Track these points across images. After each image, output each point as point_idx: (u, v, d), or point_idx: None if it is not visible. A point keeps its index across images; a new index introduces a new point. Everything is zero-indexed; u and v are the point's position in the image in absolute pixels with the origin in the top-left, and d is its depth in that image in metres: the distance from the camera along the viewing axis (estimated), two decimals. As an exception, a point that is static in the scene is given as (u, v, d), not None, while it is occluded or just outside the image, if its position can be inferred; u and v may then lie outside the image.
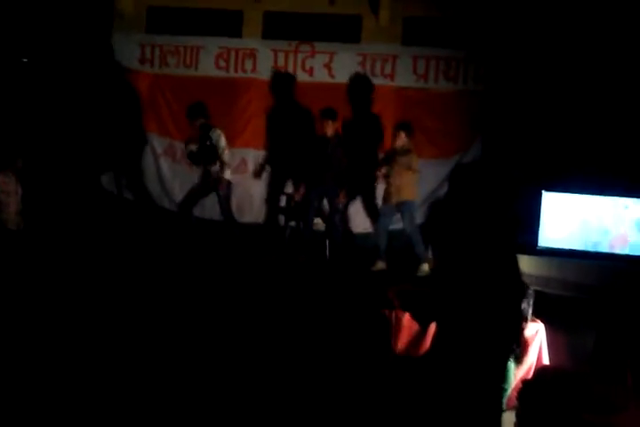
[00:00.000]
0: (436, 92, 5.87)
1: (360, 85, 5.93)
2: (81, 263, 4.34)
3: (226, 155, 5.36)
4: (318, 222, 5.61)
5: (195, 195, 5.49)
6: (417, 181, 5.23)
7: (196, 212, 5.62)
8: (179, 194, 5.88)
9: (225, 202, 5.41)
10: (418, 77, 5.90)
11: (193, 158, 5.41)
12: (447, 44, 5.77)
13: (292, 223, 5.76)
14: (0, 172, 4.51)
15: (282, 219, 5.91)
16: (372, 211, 5.84)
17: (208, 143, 5.28)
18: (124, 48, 6.13)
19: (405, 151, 5.12)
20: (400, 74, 5.91)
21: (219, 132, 5.33)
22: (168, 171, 6.17)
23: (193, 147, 5.38)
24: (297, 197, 5.56)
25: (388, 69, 5.94)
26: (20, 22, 6.05)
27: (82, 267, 4.27)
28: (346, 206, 5.77)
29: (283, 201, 5.97)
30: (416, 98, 5.89)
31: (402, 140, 5.11)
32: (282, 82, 6.01)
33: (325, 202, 5.50)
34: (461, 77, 5.81)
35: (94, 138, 6.00)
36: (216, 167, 5.33)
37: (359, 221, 5.98)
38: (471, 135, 5.80)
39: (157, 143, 6.19)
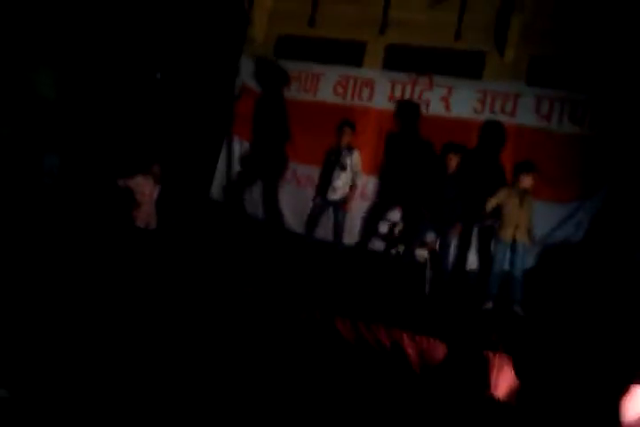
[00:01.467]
0: (558, 134, 5.61)
1: (480, 121, 5.81)
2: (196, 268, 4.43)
3: (359, 178, 5.44)
4: (422, 254, 5.46)
5: (316, 216, 5.54)
6: (532, 223, 4.98)
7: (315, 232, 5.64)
8: (290, 215, 6.00)
9: (341, 223, 5.41)
10: (540, 118, 5.68)
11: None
12: (574, 85, 5.54)
13: (394, 251, 5.66)
14: (140, 174, 4.79)
15: (381, 245, 5.81)
16: (483, 249, 5.56)
17: (346, 161, 5.33)
18: (252, 72, 6.47)
19: (523, 191, 4.93)
20: (522, 113, 5.72)
21: (357, 153, 5.40)
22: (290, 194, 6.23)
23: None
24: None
25: (509, 107, 5.77)
26: (158, 41, 6.59)
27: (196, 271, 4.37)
28: (458, 242, 5.56)
29: (384, 227, 5.89)
30: (537, 138, 5.66)
31: (527, 181, 4.92)
32: (405, 112, 5.99)
33: (432, 234, 5.37)
34: (588, 121, 5.51)
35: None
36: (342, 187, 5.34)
37: (469, 258, 5.74)
38: (594, 183, 5.44)
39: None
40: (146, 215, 4.72)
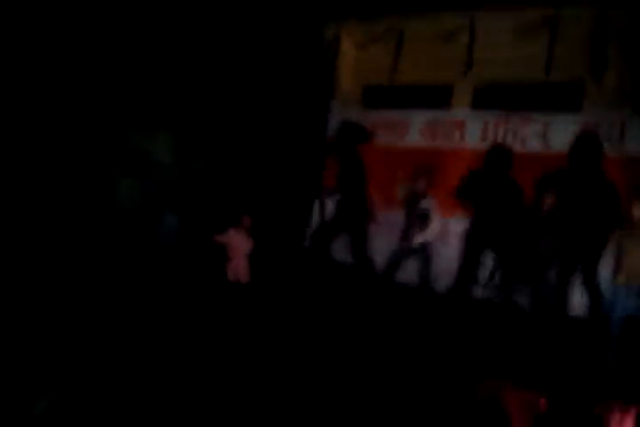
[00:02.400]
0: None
1: (584, 153, 5.41)
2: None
3: (436, 222, 5.34)
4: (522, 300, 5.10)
5: (398, 259, 5.47)
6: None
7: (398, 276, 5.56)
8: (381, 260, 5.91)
9: (424, 263, 5.28)
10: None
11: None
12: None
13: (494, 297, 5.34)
14: (232, 228, 4.95)
15: (478, 290, 5.51)
16: (593, 292, 5.08)
17: (420, 207, 5.30)
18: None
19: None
20: (631, 142, 5.28)
21: (432, 199, 5.34)
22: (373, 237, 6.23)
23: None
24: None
25: (615, 137, 5.36)
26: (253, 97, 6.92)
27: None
28: (561, 285, 5.14)
29: (483, 272, 5.59)
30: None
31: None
32: (497, 153, 5.77)
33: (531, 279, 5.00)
34: None
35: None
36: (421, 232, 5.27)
37: (576, 302, 5.27)
38: None
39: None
40: (238, 269, 4.84)
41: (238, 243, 4.85)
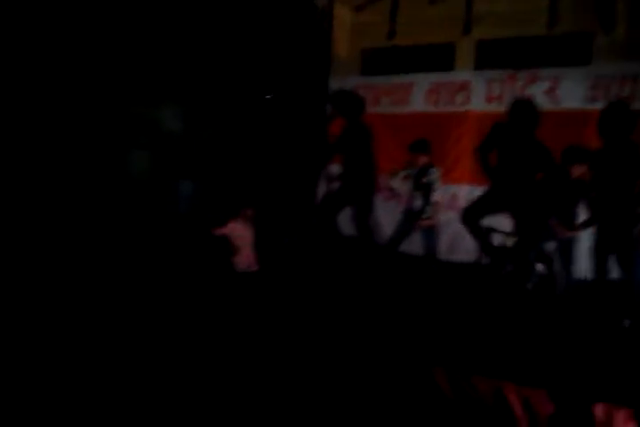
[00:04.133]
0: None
1: (596, 111, 5.15)
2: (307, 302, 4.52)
3: (436, 195, 5.22)
4: (540, 267, 5.02)
5: (402, 231, 5.41)
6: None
7: (403, 247, 5.50)
8: (386, 231, 5.86)
9: (432, 242, 5.22)
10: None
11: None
12: None
13: (509, 266, 5.27)
14: (234, 219, 4.91)
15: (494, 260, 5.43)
16: (623, 258, 4.92)
17: (424, 181, 5.17)
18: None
19: None
20: (643, 96, 5.00)
21: (436, 171, 5.19)
22: (378, 208, 6.19)
23: (398, 181, 5.34)
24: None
25: (627, 92, 5.08)
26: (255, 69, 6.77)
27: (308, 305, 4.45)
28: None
29: (497, 239, 5.49)
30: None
31: None
32: (518, 110, 5.46)
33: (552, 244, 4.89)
34: None
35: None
36: (422, 204, 5.19)
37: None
38: None
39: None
40: (245, 259, 4.85)
41: (241, 233, 4.82)
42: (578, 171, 4.57)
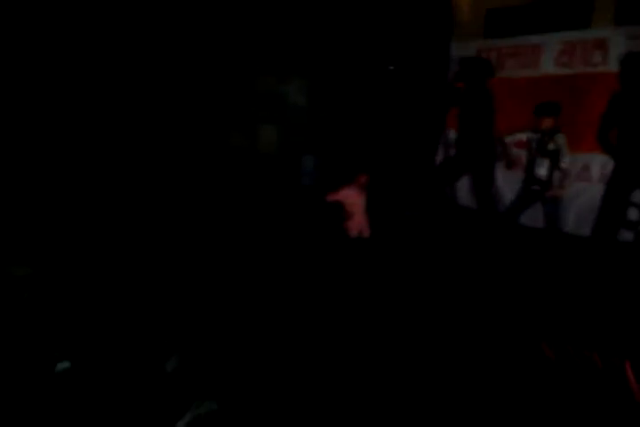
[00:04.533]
0: None
1: None
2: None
3: (565, 162, 4.87)
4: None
5: (523, 202, 5.15)
6: None
7: (522, 219, 5.25)
8: (507, 201, 5.60)
9: (550, 209, 4.92)
10: None
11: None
12: None
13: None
14: (346, 185, 4.98)
15: (630, 235, 4.98)
16: None
17: (550, 147, 4.86)
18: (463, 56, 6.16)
19: None
20: None
21: (564, 137, 4.87)
22: (500, 176, 5.92)
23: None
24: None
25: None
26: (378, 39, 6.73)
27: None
28: None
29: (633, 214, 5.01)
30: None
31: None
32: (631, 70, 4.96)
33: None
34: None
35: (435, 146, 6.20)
36: (548, 172, 4.87)
37: None
38: None
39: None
40: (358, 225, 4.90)
41: (354, 199, 4.88)
42: None
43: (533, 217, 5.17)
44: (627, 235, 5.02)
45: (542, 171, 4.86)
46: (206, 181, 6.44)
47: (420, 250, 5.06)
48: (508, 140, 5.20)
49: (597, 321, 3.36)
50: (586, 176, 5.38)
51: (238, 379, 3.09)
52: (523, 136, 5.05)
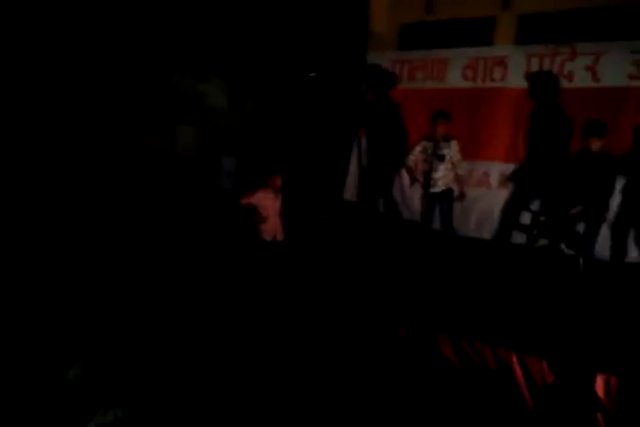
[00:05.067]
0: None
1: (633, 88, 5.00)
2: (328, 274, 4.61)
3: (461, 168, 5.22)
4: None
5: (425, 206, 5.41)
6: None
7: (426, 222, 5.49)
8: (414, 205, 5.91)
9: (446, 211, 5.23)
10: None
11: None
12: None
13: (542, 242, 5.23)
14: (261, 188, 4.99)
15: (522, 237, 5.41)
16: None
17: (446, 153, 5.17)
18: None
19: None
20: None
21: (457, 143, 5.19)
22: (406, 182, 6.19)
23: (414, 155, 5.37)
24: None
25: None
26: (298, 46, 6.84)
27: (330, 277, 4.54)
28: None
29: (525, 218, 5.46)
30: None
31: None
32: (541, 86, 5.40)
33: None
34: None
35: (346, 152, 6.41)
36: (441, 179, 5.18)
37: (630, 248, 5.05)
38: None
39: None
40: (272, 228, 4.94)
41: (269, 203, 4.90)
42: (596, 144, 4.51)
43: (436, 220, 5.47)
44: (520, 238, 5.43)
45: (438, 175, 5.13)
46: (119, 183, 6.24)
47: (331, 253, 5.20)
48: (410, 160, 5.47)
49: (491, 318, 3.62)
50: (485, 182, 5.77)
51: (146, 385, 3.03)
52: (421, 147, 5.33)
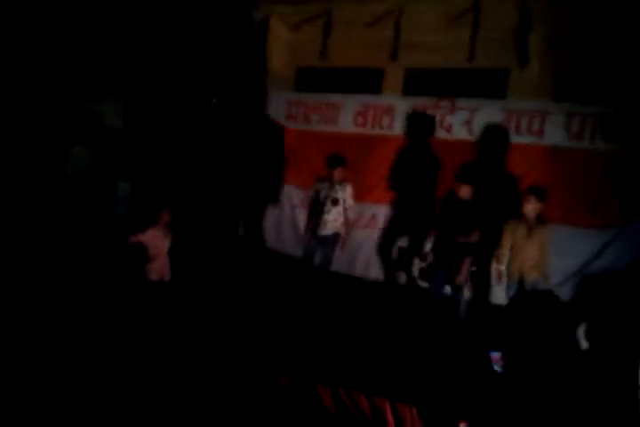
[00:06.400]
0: (591, 153, 5.17)
1: (502, 143, 5.50)
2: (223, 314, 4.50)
3: (352, 212, 5.37)
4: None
5: (315, 247, 5.49)
6: (546, 258, 4.60)
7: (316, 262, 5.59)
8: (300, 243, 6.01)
9: (329, 252, 5.31)
10: (571, 136, 5.27)
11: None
12: (605, 99, 5.07)
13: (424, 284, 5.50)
14: (150, 226, 4.72)
15: (402, 276, 5.68)
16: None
17: (340, 196, 5.29)
18: (275, 104, 6.55)
19: (538, 222, 4.57)
20: (550, 132, 5.35)
21: (350, 186, 5.34)
22: (302, 220, 6.30)
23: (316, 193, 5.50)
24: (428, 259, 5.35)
25: (536, 126, 5.41)
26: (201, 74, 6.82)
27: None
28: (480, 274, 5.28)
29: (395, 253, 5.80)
30: (567, 159, 5.25)
31: (529, 207, 4.52)
32: (417, 137, 5.85)
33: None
34: (623, 138, 5.04)
35: (234, 188, 6.45)
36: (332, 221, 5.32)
37: (497, 291, 5.44)
38: (635, 206, 4.96)
39: (295, 194, 6.43)
40: (160, 268, 4.76)
41: (158, 242, 4.70)
42: (464, 192, 4.79)
43: (325, 261, 5.56)
44: (402, 277, 5.69)
45: (329, 218, 5.20)
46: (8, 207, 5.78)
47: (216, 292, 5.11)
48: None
49: (366, 364, 3.70)
50: (372, 224, 6.01)
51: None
52: (315, 188, 5.38)
